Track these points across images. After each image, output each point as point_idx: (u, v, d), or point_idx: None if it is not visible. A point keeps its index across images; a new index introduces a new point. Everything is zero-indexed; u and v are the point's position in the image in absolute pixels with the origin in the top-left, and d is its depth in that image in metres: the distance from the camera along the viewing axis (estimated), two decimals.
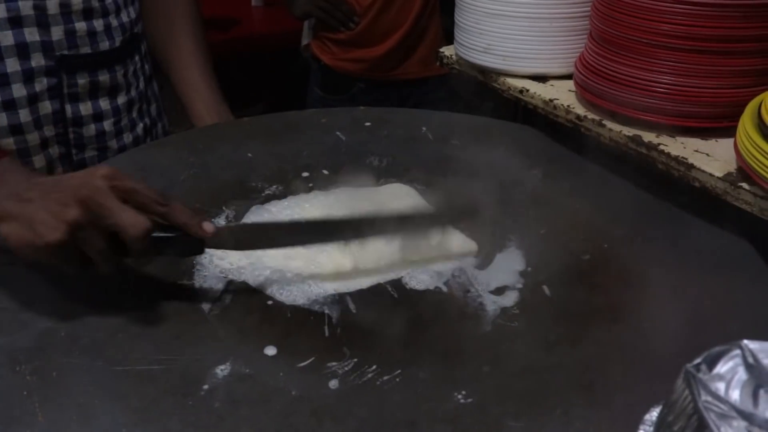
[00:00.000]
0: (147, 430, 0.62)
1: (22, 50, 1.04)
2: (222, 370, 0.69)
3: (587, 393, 0.67)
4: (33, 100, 1.06)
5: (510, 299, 0.80)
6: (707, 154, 0.91)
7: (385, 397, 0.66)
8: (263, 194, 1.00)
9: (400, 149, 1.12)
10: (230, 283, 0.82)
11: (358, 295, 0.81)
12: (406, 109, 1.35)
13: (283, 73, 2.74)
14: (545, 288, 0.82)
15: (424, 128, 1.19)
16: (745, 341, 0.46)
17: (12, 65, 1.03)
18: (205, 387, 0.67)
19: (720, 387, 0.44)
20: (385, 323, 0.76)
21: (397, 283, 0.83)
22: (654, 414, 0.53)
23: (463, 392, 0.67)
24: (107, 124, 1.17)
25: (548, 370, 0.70)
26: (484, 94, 1.23)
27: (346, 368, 0.70)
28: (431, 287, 0.82)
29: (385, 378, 0.69)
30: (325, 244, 0.85)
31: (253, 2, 3.03)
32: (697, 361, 0.45)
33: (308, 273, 0.83)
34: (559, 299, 0.80)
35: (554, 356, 0.72)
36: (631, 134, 0.97)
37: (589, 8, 1.05)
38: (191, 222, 0.75)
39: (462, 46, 1.21)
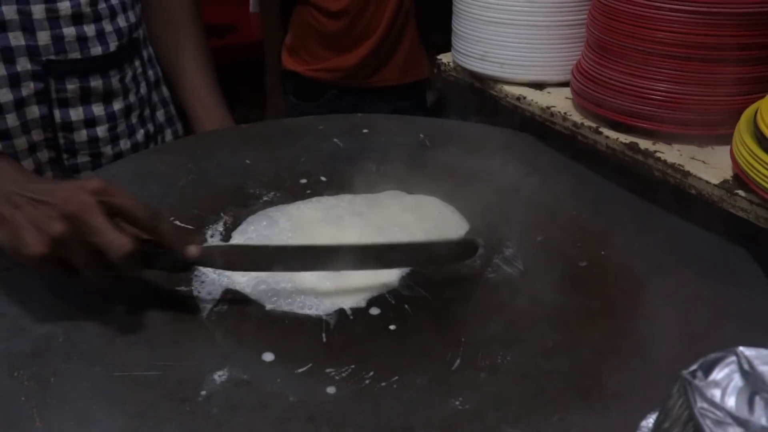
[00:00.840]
0: None
1: (7, 55, 1.02)
2: (219, 375, 0.69)
3: (584, 399, 0.67)
4: (20, 104, 1.06)
5: (507, 305, 0.81)
6: (703, 162, 0.91)
7: (382, 403, 0.67)
8: (261, 201, 1.00)
9: (398, 156, 1.12)
10: (228, 290, 0.82)
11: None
12: (404, 116, 1.35)
13: None
14: (542, 294, 0.82)
15: (421, 135, 1.20)
16: (741, 348, 0.46)
17: None
18: (203, 393, 0.67)
19: (716, 394, 0.44)
20: (382, 329, 0.76)
21: (394, 290, 0.83)
22: (650, 420, 0.53)
23: (460, 398, 0.67)
24: (101, 130, 1.15)
25: (545, 377, 0.70)
26: (466, 101, 1.23)
27: (344, 374, 0.70)
28: (427, 294, 0.82)
29: (383, 384, 0.69)
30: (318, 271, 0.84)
31: (251, 8, 3.03)
32: (693, 367, 0.45)
33: (307, 286, 0.82)
34: (556, 306, 0.80)
35: (551, 363, 0.72)
36: (627, 141, 0.97)
37: (585, 16, 1.06)
38: (176, 244, 0.76)
39: (459, 53, 1.22)
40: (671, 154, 0.94)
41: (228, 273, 0.83)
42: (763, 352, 0.46)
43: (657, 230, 0.93)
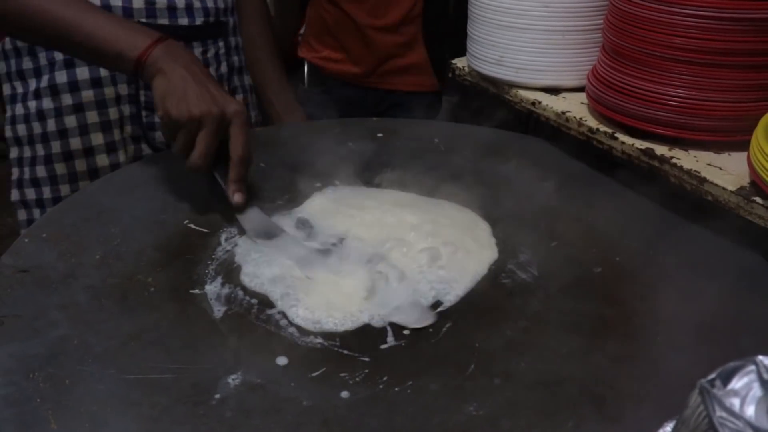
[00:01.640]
0: None
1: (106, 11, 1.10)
2: (233, 379, 0.69)
3: (599, 406, 0.67)
4: None
5: (521, 311, 0.80)
6: (720, 168, 0.91)
7: (396, 408, 0.66)
8: (275, 204, 1.00)
9: (413, 160, 1.12)
10: (243, 293, 0.82)
11: None
12: (418, 120, 1.35)
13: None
14: (557, 300, 0.82)
15: (436, 139, 1.19)
16: (760, 357, 0.46)
17: None
18: (217, 396, 0.67)
19: (735, 403, 0.44)
20: (396, 334, 0.76)
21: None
22: (667, 429, 0.53)
23: (474, 404, 0.67)
24: None
25: (560, 383, 0.70)
26: (481, 105, 1.23)
27: (357, 379, 0.70)
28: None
29: (396, 389, 0.69)
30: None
31: None
32: (712, 376, 0.45)
33: (325, 301, 0.81)
34: (571, 312, 0.80)
35: (566, 369, 0.72)
36: (643, 147, 0.97)
37: (601, 21, 1.06)
38: (232, 184, 0.94)
39: (474, 57, 1.22)
40: (688, 160, 0.93)
41: (244, 277, 0.84)
42: None
43: (672, 237, 0.92)
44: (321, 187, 1.05)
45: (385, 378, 0.70)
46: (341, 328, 0.77)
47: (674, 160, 0.93)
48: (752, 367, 0.45)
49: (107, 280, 0.82)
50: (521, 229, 0.94)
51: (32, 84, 1.20)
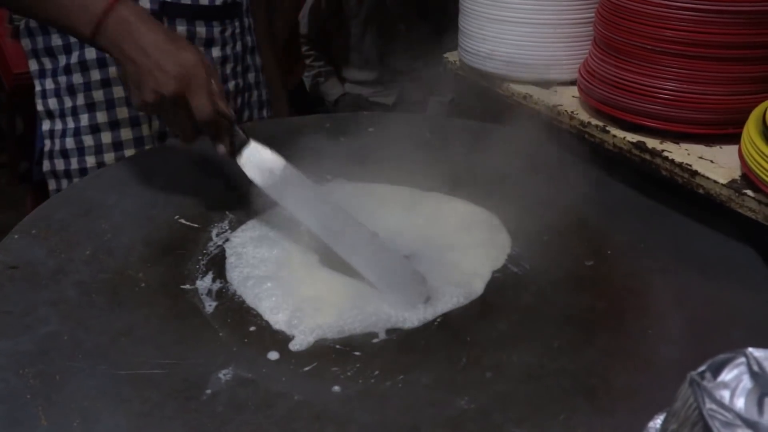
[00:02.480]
0: None
1: None
2: (224, 374, 0.69)
3: (590, 399, 0.67)
4: None
5: (513, 305, 0.80)
6: (711, 161, 0.91)
7: (387, 402, 0.66)
8: (268, 199, 0.99)
9: (404, 154, 1.11)
10: (233, 288, 0.82)
11: None
12: (410, 115, 1.35)
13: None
14: (548, 294, 0.82)
15: (428, 134, 1.19)
16: (750, 349, 0.46)
17: None
18: (208, 391, 0.67)
19: (725, 395, 0.44)
20: (388, 329, 0.76)
21: None
22: (658, 421, 0.53)
23: (466, 398, 0.67)
24: None
25: (551, 376, 0.70)
26: (473, 100, 1.22)
27: (349, 373, 0.70)
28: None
29: (388, 383, 0.68)
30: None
31: None
32: (702, 368, 0.45)
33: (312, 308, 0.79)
34: (563, 305, 0.80)
35: (557, 362, 0.72)
36: (635, 140, 0.97)
37: (593, 14, 1.06)
38: (214, 139, 0.91)
39: (465, 51, 1.22)
40: (679, 153, 0.93)
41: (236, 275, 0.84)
42: None
43: (664, 230, 0.92)
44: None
45: (376, 372, 0.70)
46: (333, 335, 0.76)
47: (665, 153, 0.93)
48: (742, 360, 0.46)
49: (97, 275, 0.82)
50: (512, 223, 0.94)
51: (62, 60, 1.23)
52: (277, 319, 0.77)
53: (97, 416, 0.63)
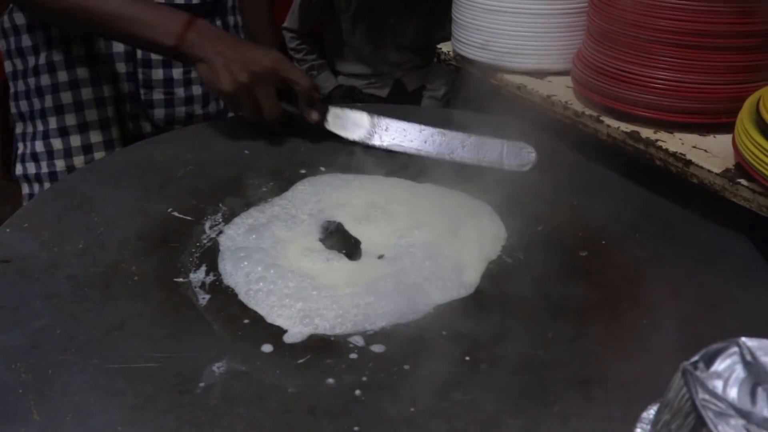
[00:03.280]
0: (142, 428, 0.62)
1: None
2: (218, 367, 0.69)
3: (584, 390, 0.67)
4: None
5: (507, 296, 0.80)
6: (705, 151, 0.91)
7: (382, 394, 0.66)
8: (260, 191, 0.99)
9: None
10: (226, 282, 0.82)
11: None
12: (405, 106, 1.35)
13: None
14: (542, 285, 0.82)
15: (422, 125, 1.19)
16: (743, 339, 0.46)
17: None
18: (201, 385, 0.66)
19: (718, 385, 0.44)
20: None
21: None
22: (652, 412, 0.53)
23: (461, 390, 0.67)
24: (176, 72, 1.26)
25: (545, 367, 0.70)
26: (467, 90, 1.22)
27: (343, 366, 0.69)
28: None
29: (382, 375, 0.68)
30: None
31: None
32: (695, 358, 0.45)
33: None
34: (557, 296, 0.80)
35: (551, 353, 0.72)
36: (628, 130, 0.97)
37: (586, 4, 1.05)
38: (306, 110, 1.10)
39: (459, 42, 1.21)
40: (673, 143, 0.93)
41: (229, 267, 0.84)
42: (765, 342, 0.46)
43: (658, 220, 0.92)
44: (306, 174, 1.04)
45: (371, 365, 0.70)
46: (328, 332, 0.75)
47: (659, 143, 0.93)
48: (735, 349, 0.46)
49: (90, 269, 0.82)
50: (507, 214, 0.94)
51: (31, 61, 1.22)
52: (271, 312, 0.76)
53: (89, 410, 0.63)
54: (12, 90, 1.26)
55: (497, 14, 1.12)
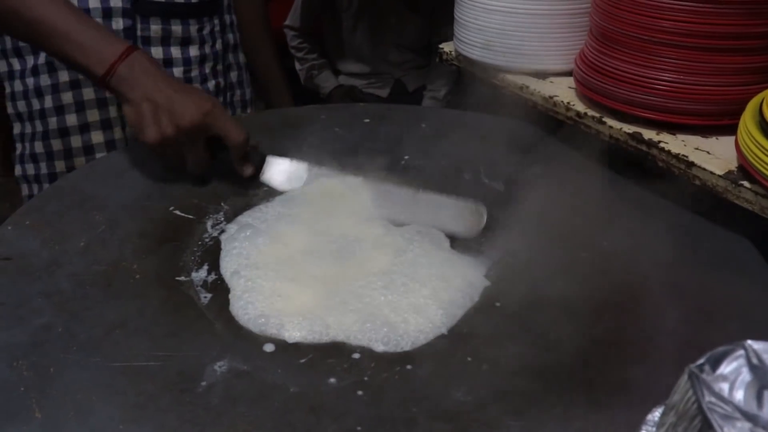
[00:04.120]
0: (144, 426, 0.62)
1: None
2: (220, 366, 0.68)
3: (587, 392, 0.67)
4: None
5: (509, 297, 0.80)
6: (708, 152, 0.90)
7: (383, 394, 0.66)
8: (262, 190, 0.99)
9: (399, 146, 1.11)
10: (224, 279, 0.81)
11: None
12: (406, 106, 1.34)
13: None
14: (544, 287, 0.81)
15: (423, 125, 1.19)
16: (749, 341, 0.46)
17: (93, 2, 1.15)
18: (203, 383, 0.66)
19: (724, 388, 0.44)
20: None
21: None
22: (656, 414, 0.53)
23: (462, 391, 0.66)
24: (176, 71, 1.25)
25: (548, 369, 0.70)
26: (468, 91, 1.22)
27: (345, 365, 0.69)
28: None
29: (384, 375, 0.68)
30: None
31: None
32: (701, 361, 0.45)
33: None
34: (559, 298, 0.80)
35: (554, 355, 0.72)
36: (631, 131, 0.97)
37: (589, 5, 1.05)
38: (238, 164, 0.99)
39: (461, 42, 1.21)
40: (675, 144, 0.93)
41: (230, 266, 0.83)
42: None
43: (660, 221, 0.92)
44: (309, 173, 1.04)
45: (372, 364, 0.70)
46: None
47: (662, 145, 0.93)
48: (741, 352, 0.45)
49: (92, 267, 0.82)
50: (508, 214, 0.94)
51: (30, 61, 1.20)
52: (274, 311, 0.76)
53: (91, 408, 0.63)
54: (8, 90, 1.25)
55: (499, 14, 1.12)
